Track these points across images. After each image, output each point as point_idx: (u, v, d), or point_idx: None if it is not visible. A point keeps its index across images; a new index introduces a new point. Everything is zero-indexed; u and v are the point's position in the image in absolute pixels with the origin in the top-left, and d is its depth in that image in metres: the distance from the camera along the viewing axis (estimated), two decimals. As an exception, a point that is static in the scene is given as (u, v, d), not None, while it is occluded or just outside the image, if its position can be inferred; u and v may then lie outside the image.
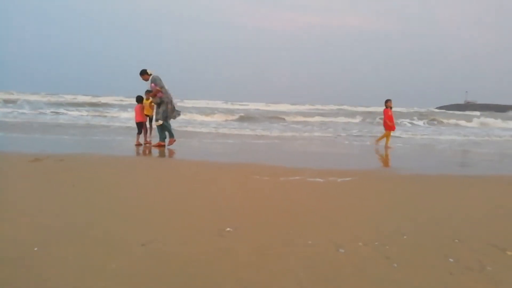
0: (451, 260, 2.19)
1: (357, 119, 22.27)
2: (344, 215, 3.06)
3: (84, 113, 18.04)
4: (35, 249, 2.11)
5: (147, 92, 8.44)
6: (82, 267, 1.91)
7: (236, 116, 20.38)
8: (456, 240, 2.52)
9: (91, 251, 2.11)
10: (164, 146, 7.63)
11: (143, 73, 7.79)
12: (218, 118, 19.25)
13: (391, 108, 9.57)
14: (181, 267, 1.96)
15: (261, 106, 34.80)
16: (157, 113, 7.72)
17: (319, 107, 37.61)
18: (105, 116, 17.42)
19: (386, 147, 9.19)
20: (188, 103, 29.77)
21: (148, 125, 8.30)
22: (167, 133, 7.82)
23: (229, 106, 33.07)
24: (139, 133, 8.04)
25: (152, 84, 7.63)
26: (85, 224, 2.59)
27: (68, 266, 1.92)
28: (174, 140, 7.81)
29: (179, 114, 8.12)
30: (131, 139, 8.50)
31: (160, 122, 7.64)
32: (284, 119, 20.67)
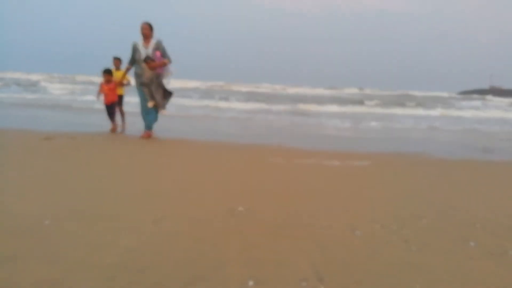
0: (471, 244, 2.10)
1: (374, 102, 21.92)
2: (361, 198, 2.98)
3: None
4: (46, 222, 2.11)
5: (116, 59, 6.94)
6: (93, 241, 1.90)
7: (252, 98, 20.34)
8: (477, 225, 2.42)
9: (101, 227, 2.10)
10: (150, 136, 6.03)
11: (150, 28, 5.78)
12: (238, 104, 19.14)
13: None
14: (191, 245, 1.93)
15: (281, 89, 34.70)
16: (156, 93, 5.96)
17: (337, 91, 37.21)
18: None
19: None
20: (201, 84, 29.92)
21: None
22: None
23: (246, 88, 32.98)
24: (113, 119, 6.66)
25: (158, 53, 5.81)
26: (96, 201, 2.58)
27: (78, 240, 1.91)
28: (150, 135, 5.97)
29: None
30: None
31: (165, 111, 6.16)
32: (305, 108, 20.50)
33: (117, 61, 7.08)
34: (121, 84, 6.70)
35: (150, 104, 5.94)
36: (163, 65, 5.92)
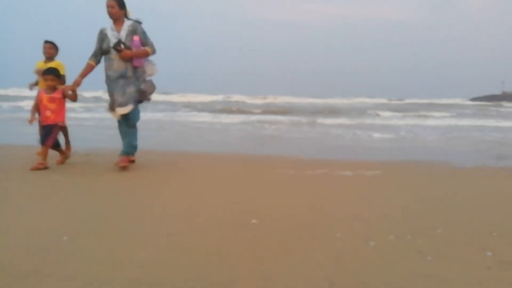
0: (488, 254, 2.07)
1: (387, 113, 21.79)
2: (374, 208, 2.96)
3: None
4: (64, 238, 2.15)
5: (48, 45, 4.69)
6: (110, 257, 1.93)
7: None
8: (494, 234, 2.38)
9: (118, 242, 2.13)
10: (132, 161, 4.45)
11: (118, 4, 4.21)
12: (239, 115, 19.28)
13: None
14: (206, 258, 1.94)
15: (289, 99, 34.90)
16: (122, 94, 4.19)
17: (345, 101, 37.18)
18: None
19: None
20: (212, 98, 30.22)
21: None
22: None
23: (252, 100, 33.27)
24: (53, 145, 4.37)
25: (137, 38, 4.21)
26: (112, 216, 2.63)
27: (96, 255, 1.95)
28: (130, 160, 4.37)
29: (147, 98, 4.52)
30: (152, 134, 8.51)
31: (129, 108, 4.21)
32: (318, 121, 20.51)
33: (50, 47, 4.73)
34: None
35: (115, 115, 4.30)
36: (143, 55, 4.28)
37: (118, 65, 4.21)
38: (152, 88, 4.50)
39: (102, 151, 5.72)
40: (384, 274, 1.81)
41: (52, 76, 4.26)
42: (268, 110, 22.58)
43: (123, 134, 4.39)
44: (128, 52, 4.16)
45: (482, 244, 2.21)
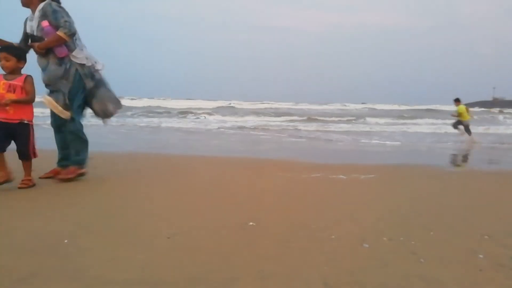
0: (480, 256, 2.12)
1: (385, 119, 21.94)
2: (368, 211, 3.02)
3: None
4: (65, 241, 2.18)
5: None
6: (110, 257, 1.97)
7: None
8: (486, 236, 2.44)
9: (118, 243, 2.17)
10: (81, 174, 3.80)
11: None
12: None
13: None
14: (205, 258, 1.98)
15: (291, 105, 35.14)
16: (56, 95, 3.58)
17: (342, 107, 37.40)
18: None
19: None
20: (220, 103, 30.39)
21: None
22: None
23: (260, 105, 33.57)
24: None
25: (46, 24, 3.41)
26: (112, 218, 2.67)
27: (97, 256, 1.98)
28: (79, 172, 3.75)
29: (116, 108, 3.94)
30: (152, 138, 8.54)
31: (67, 114, 3.57)
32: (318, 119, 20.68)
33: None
34: None
35: (64, 115, 3.58)
36: (56, 42, 3.43)
37: (40, 61, 3.59)
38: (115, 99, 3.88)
39: (104, 155, 5.74)
40: (378, 275, 1.85)
41: (5, 54, 3.24)
42: (266, 114, 22.74)
43: (73, 143, 3.79)
44: (36, 45, 3.45)
45: (474, 246, 2.26)
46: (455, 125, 11.60)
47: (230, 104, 33.12)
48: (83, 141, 3.81)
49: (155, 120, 16.39)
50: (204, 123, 15.72)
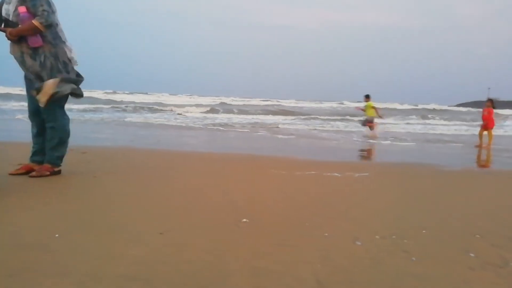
0: (472, 255, 2.14)
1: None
2: (362, 209, 3.03)
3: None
4: (56, 235, 2.17)
5: None
6: (102, 253, 1.95)
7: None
8: (477, 236, 2.46)
9: (110, 239, 2.16)
10: (55, 172, 3.69)
11: None
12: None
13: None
14: (199, 255, 1.98)
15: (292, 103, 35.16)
16: (37, 76, 3.41)
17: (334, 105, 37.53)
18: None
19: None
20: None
21: None
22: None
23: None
24: None
25: (23, 9, 3.25)
26: (104, 214, 2.65)
27: (88, 252, 1.97)
28: (54, 170, 3.67)
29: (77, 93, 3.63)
30: (142, 133, 8.49)
31: (47, 96, 3.34)
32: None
33: None
34: None
35: (41, 100, 3.36)
36: (29, 31, 3.25)
37: (12, 49, 3.39)
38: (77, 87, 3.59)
39: (99, 150, 5.71)
40: (370, 273, 1.86)
41: None
42: (262, 111, 22.75)
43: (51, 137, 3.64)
44: (8, 31, 3.23)
45: (466, 245, 2.28)
46: (363, 123, 12.05)
47: (221, 101, 32.97)
48: (63, 138, 3.68)
49: (146, 116, 16.32)
50: (179, 119, 15.44)
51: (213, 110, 22.77)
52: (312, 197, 3.40)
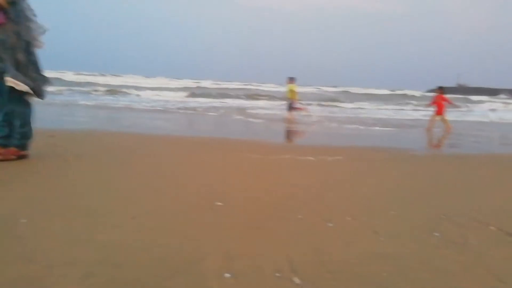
0: (436, 234, 2.23)
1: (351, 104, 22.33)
2: (334, 192, 3.09)
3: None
4: (23, 221, 2.10)
5: None
6: (71, 238, 1.91)
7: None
8: (442, 216, 2.56)
9: (79, 223, 2.10)
10: (22, 156, 3.56)
11: None
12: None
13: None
14: (171, 239, 1.97)
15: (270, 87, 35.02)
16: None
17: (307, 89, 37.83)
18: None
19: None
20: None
21: None
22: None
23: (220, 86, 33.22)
24: None
25: None
26: (73, 198, 2.57)
27: (56, 237, 1.91)
28: (21, 153, 3.54)
29: (42, 85, 3.57)
30: (116, 116, 8.33)
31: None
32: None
33: None
34: None
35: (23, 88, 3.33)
36: None
37: None
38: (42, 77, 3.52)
39: (67, 133, 5.53)
40: (341, 253, 1.91)
41: None
42: (235, 95, 22.61)
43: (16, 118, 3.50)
44: None
45: (431, 225, 2.38)
46: (293, 107, 11.68)
47: (198, 85, 32.55)
48: (28, 121, 3.57)
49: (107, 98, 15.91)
50: (154, 103, 15.12)
51: (191, 94, 22.43)
52: (286, 180, 3.44)
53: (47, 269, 1.60)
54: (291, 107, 11.45)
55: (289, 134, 7.85)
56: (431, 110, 10.41)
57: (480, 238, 2.20)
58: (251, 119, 10.44)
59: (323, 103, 20.08)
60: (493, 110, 21.67)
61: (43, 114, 8.11)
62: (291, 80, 11.65)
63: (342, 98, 24.48)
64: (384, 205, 2.76)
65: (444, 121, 10.05)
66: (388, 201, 2.86)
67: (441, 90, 10.60)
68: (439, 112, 10.16)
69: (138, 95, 19.32)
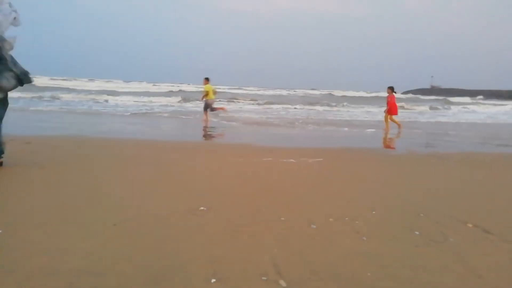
0: (416, 233, 2.29)
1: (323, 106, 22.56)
2: (316, 193, 3.12)
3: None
4: (0, 231, 2.03)
5: None
6: (52, 247, 1.86)
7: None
8: (422, 215, 2.63)
9: (59, 232, 2.06)
10: None
11: None
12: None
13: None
14: (154, 245, 1.95)
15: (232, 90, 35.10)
16: None
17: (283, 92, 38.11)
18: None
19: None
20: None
21: None
22: None
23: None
24: None
25: None
26: (54, 207, 2.51)
27: (37, 247, 1.87)
28: None
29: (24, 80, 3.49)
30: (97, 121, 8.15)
31: None
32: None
33: None
34: None
35: None
36: None
37: None
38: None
39: (44, 140, 5.38)
40: (325, 253, 1.94)
41: None
42: (218, 98, 22.43)
43: None
44: None
45: (411, 224, 2.43)
46: (211, 108, 11.31)
47: (180, 88, 32.30)
48: None
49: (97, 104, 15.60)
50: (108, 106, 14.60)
51: (183, 98, 21.99)
52: (269, 183, 3.45)
53: (26, 279, 1.56)
54: (208, 108, 11.03)
55: (205, 135, 7.80)
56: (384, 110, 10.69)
57: (459, 235, 2.27)
58: (232, 122, 10.43)
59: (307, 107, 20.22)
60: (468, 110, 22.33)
61: (19, 120, 7.87)
62: (207, 80, 11.22)
63: (325, 100, 24.75)
64: (366, 205, 2.80)
65: (394, 121, 10.28)
66: (369, 201, 2.91)
67: (391, 89, 10.80)
68: (391, 112, 10.36)
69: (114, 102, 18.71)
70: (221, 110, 11.86)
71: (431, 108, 22.61)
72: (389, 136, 8.58)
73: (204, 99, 11.15)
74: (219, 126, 9.12)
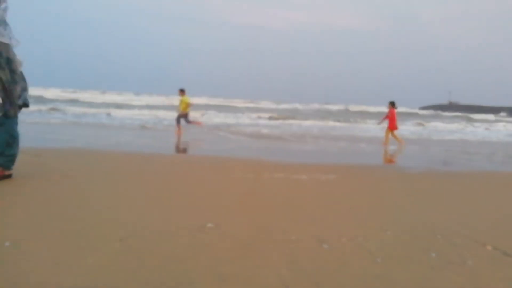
0: (433, 254, 2.19)
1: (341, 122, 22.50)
2: (328, 212, 3.04)
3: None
4: (6, 244, 2.01)
5: None
6: (57, 261, 1.83)
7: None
8: (438, 236, 2.53)
9: (65, 246, 2.03)
10: (6, 176, 3.46)
11: None
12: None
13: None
14: (160, 262, 1.90)
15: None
16: None
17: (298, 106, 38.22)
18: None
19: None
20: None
21: None
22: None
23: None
24: None
25: None
26: (59, 220, 2.49)
27: (42, 261, 1.84)
28: (4, 173, 3.45)
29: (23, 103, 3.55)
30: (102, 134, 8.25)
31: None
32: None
33: None
34: None
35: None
36: None
37: None
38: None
39: (53, 152, 5.44)
40: (336, 275, 1.86)
41: None
42: (227, 111, 22.66)
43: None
44: None
45: (428, 245, 2.34)
46: (187, 121, 11.37)
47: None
48: (12, 139, 3.47)
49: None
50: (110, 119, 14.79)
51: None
52: (279, 200, 3.39)
53: (29, 295, 1.53)
54: (182, 120, 11.06)
55: (178, 147, 7.79)
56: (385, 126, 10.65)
57: (477, 258, 2.17)
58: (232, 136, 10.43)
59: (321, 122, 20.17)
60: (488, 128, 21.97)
61: (28, 132, 8.01)
62: (182, 92, 11.27)
63: (340, 115, 24.68)
64: (379, 224, 2.72)
65: (394, 136, 10.20)
66: (383, 221, 2.82)
67: (392, 105, 10.75)
68: (390, 127, 10.32)
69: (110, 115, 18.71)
70: (197, 125, 11.84)
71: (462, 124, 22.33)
72: (388, 151, 8.50)
73: (180, 111, 11.25)
74: (225, 140, 9.11)
